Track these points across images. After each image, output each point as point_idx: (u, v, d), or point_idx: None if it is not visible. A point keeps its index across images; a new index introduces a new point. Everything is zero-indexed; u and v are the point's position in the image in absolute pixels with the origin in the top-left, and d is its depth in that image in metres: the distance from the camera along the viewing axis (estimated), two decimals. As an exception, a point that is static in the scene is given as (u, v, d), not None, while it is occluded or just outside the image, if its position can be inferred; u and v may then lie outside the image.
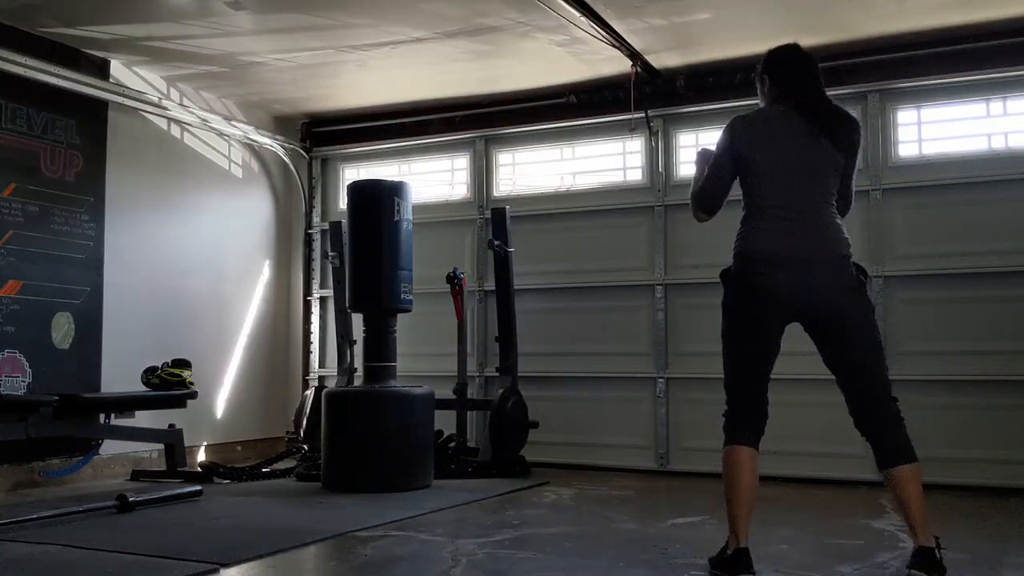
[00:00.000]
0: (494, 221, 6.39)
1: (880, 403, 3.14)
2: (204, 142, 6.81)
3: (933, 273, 5.62)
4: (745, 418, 3.17)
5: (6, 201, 5.35)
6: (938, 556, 3.01)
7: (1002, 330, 5.45)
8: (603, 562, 3.45)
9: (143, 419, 5.80)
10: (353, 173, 7.59)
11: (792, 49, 3.39)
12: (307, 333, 7.56)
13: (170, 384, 5.82)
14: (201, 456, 6.54)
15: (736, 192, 3.33)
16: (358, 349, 6.27)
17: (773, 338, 3.21)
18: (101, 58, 5.96)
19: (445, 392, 6.12)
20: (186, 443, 5.98)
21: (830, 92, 3.26)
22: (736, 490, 3.10)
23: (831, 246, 3.18)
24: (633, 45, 5.70)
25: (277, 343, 7.47)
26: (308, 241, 7.61)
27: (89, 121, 5.87)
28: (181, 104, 6.51)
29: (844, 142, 3.24)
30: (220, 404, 6.86)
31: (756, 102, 3.35)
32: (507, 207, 6.44)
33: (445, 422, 6.17)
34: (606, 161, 6.72)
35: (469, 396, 6.40)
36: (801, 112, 3.24)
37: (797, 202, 3.18)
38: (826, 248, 3.17)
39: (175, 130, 6.57)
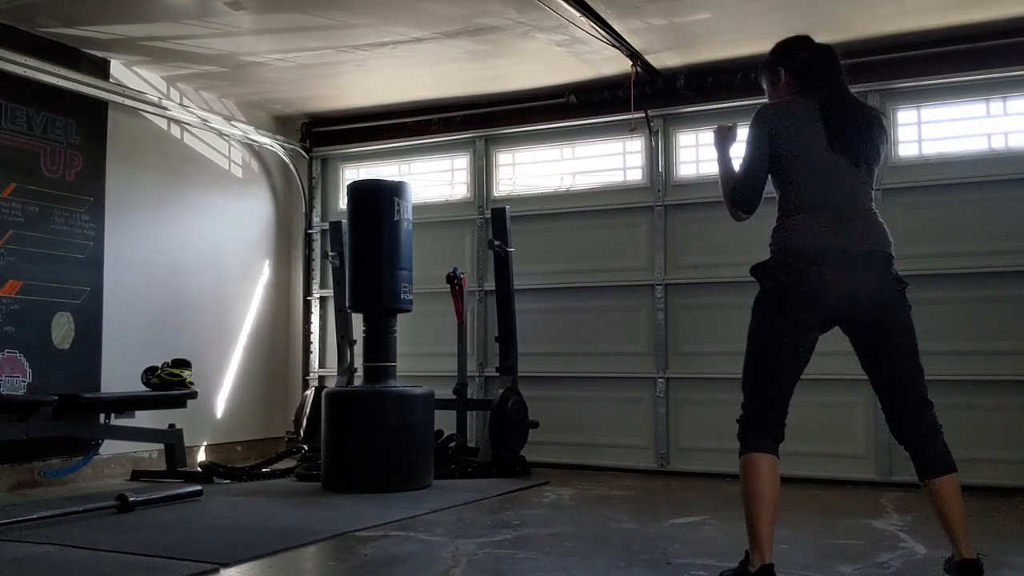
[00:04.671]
0: (494, 221, 6.39)
1: (918, 412, 3.01)
2: (204, 142, 6.81)
3: (933, 273, 5.61)
4: (768, 424, 2.95)
5: (6, 201, 5.35)
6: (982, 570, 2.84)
7: (1003, 330, 5.44)
8: (603, 562, 3.45)
9: (143, 419, 5.80)
10: (353, 173, 7.59)
11: (809, 41, 3.17)
12: (307, 333, 7.56)
13: (170, 384, 5.82)
14: (201, 456, 6.54)
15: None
16: (358, 349, 6.27)
17: (809, 341, 2.96)
18: (101, 58, 5.96)
19: (445, 392, 6.12)
20: (186, 443, 5.99)
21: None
22: (759, 502, 2.83)
23: (877, 243, 2.98)
24: (633, 45, 5.70)
25: (277, 343, 7.47)
26: (308, 241, 7.61)
27: (89, 121, 5.87)
28: (181, 104, 6.51)
29: (869, 154, 3.04)
30: (220, 404, 6.86)
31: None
32: (507, 207, 6.45)
33: (445, 422, 6.18)
34: (606, 161, 6.72)
35: (469, 396, 6.40)
36: (826, 113, 2.98)
37: (838, 199, 2.96)
38: (871, 245, 2.96)
39: (175, 130, 6.57)
